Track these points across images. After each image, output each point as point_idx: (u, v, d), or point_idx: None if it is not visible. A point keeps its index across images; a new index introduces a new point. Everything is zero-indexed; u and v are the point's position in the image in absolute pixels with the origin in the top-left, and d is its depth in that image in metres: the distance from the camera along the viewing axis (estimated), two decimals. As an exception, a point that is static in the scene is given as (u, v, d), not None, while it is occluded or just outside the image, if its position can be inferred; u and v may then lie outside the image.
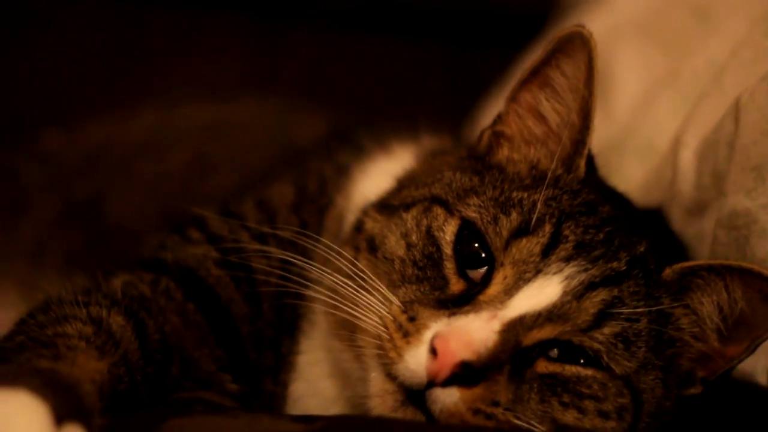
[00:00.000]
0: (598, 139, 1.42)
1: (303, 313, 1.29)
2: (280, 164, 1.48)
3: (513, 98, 1.25)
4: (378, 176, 1.33)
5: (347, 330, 1.19)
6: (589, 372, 1.13)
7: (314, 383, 1.28)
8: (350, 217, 1.30)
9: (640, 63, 1.68)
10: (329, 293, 1.20)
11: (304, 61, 2.20)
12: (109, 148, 1.77)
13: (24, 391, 0.96)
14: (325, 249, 1.21)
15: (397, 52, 2.24)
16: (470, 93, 2.09)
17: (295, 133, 1.68)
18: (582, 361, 1.13)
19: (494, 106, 1.99)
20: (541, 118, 1.24)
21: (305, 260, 1.21)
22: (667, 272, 1.17)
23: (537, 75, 1.23)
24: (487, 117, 1.99)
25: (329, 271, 1.20)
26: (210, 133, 1.75)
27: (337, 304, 1.18)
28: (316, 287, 1.22)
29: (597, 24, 1.83)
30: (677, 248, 1.31)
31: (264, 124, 1.76)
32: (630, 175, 1.51)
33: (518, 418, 1.10)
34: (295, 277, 1.22)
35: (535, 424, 1.11)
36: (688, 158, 1.32)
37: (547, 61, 1.22)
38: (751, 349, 1.18)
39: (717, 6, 1.63)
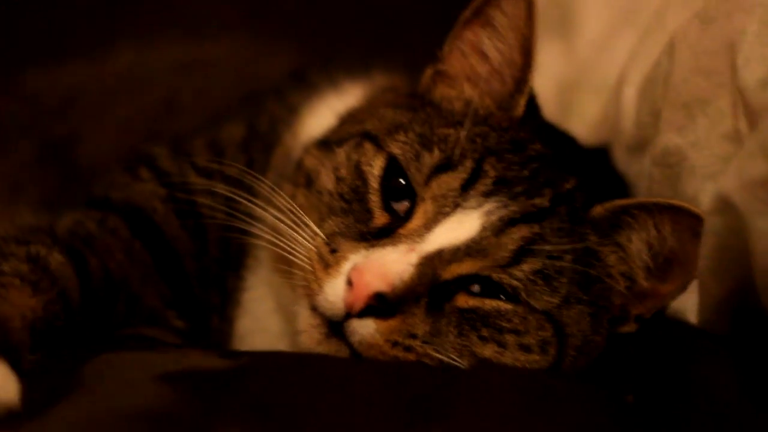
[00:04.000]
0: (561, 75, 1.43)
1: (248, 249, 1.31)
2: (237, 104, 1.50)
3: (455, 37, 1.27)
4: (326, 114, 1.35)
5: (285, 264, 1.21)
6: (509, 306, 1.14)
7: (260, 320, 1.31)
8: (296, 155, 1.32)
9: (602, 3, 1.67)
10: (270, 230, 1.23)
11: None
12: (85, 89, 1.79)
13: None
14: (268, 186, 1.24)
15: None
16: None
17: (266, 73, 1.68)
18: (502, 296, 1.14)
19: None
20: (483, 56, 1.25)
21: (249, 197, 1.24)
22: (597, 210, 1.18)
23: (479, 14, 1.24)
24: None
25: (270, 208, 1.23)
26: (182, 72, 1.77)
27: (276, 240, 1.20)
28: (260, 225, 1.25)
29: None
30: (617, 187, 1.31)
31: (235, 64, 1.77)
32: (587, 114, 1.50)
33: (437, 351, 1.12)
34: (240, 215, 1.25)
35: (455, 357, 1.13)
36: (630, 96, 1.32)
37: (488, 1, 1.23)
38: (682, 287, 1.19)
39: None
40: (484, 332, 1.14)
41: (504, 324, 1.14)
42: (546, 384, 1.11)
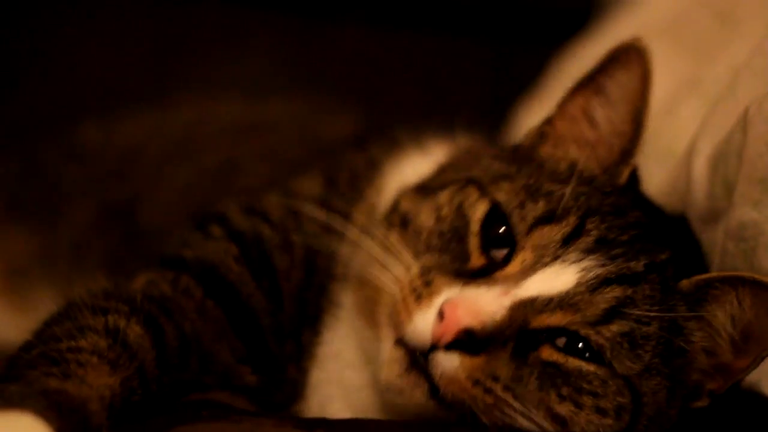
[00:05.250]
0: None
1: (325, 307, 1.33)
2: (307, 160, 1.52)
3: (567, 101, 1.29)
4: (409, 173, 1.36)
5: (370, 306, 1.23)
6: (591, 368, 1.14)
7: (335, 371, 1.31)
8: (379, 211, 1.33)
9: (664, 66, 1.67)
10: (357, 273, 1.26)
11: (342, 59, 2.21)
12: (144, 148, 1.80)
13: (30, 414, 1.01)
14: (358, 231, 1.27)
15: (435, 48, 2.24)
16: (508, 91, 2.10)
17: (325, 134, 1.71)
18: (587, 355, 1.15)
19: (534, 106, 2.01)
20: (592, 123, 1.28)
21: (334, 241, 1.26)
22: (684, 283, 1.19)
23: (592, 82, 1.27)
24: (525, 116, 2.01)
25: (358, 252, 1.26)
26: (241, 134, 1.78)
27: (365, 278, 1.23)
28: (343, 271, 1.29)
29: (626, 25, 1.84)
30: (698, 259, 1.31)
31: (293, 124, 1.78)
32: (651, 180, 1.50)
33: (516, 398, 1.13)
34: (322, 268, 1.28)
35: (531, 408, 1.13)
36: (701, 166, 1.31)
37: (603, 69, 1.26)
38: (758, 362, 1.18)
39: (740, 10, 1.62)
40: (564, 390, 1.14)
41: (584, 385, 1.14)
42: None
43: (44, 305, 1.26)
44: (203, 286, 1.29)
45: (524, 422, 1.14)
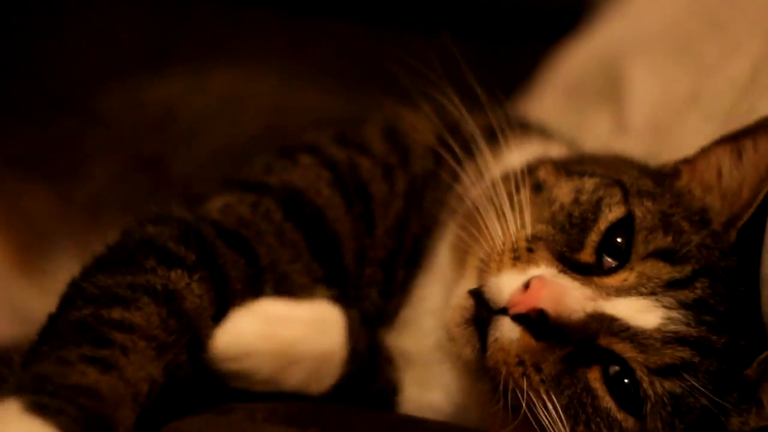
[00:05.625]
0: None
1: (424, 250, 1.33)
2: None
3: (708, 148, 1.30)
4: (524, 155, 1.35)
5: (466, 246, 1.24)
6: (620, 415, 1.15)
7: (416, 315, 1.32)
8: (487, 178, 1.31)
9: (654, 77, 1.69)
10: (468, 210, 1.27)
11: (333, 55, 2.20)
12: (176, 110, 1.77)
13: (52, 428, 0.96)
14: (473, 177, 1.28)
15: (428, 46, 2.23)
16: (500, 90, 2.09)
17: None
18: (625, 398, 1.15)
19: (525, 105, 2.01)
20: (719, 175, 1.28)
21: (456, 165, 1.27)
22: (749, 372, 1.18)
23: (735, 140, 1.27)
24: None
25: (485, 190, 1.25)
26: (280, 112, 1.75)
27: (475, 217, 1.23)
28: (446, 218, 1.31)
29: (614, 30, 1.84)
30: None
31: (334, 110, 1.73)
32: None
33: (544, 398, 1.13)
34: (424, 209, 1.31)
35: (560, 413, 1.13)
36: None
37: (749, 132, 1.26)
38: None
39: (734, 20, 1.61)
40: (583, 418, 1.15)
41: (603, 424, 1.15)
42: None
43: (64, 273, 1.18)
44: (284, 209, 1.27)
45: (541, 417, 1.14)
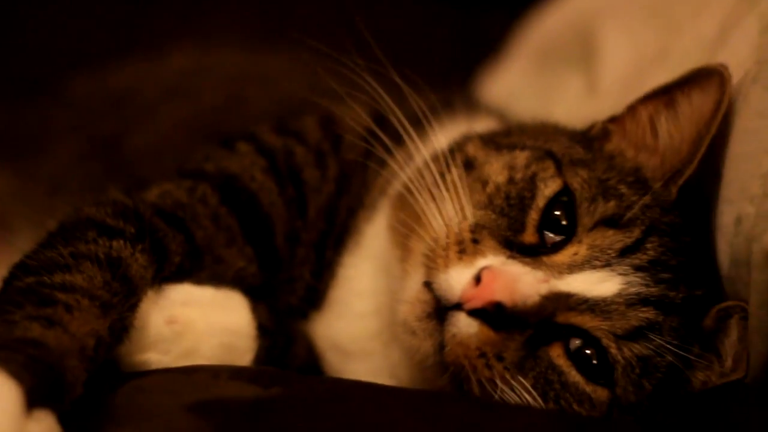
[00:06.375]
0: (584, 115, 1.42)
1: (351, 231, 1.34)
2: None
3: (636, 106, 1.28)
4: (452, 134, 1.34)
5: (404, 232, 1.23)
6: (588, 388, 1.15)
7: (345, 296, 1.33)
8: (416, 161, 1.30)
9: (626, 38, 1.67)
10: (398, 193, 1.27)
11: (309, 18, 2.18)
12: (137, 91, 1.77)
13: (1, 373, 0.96)
14: (402, 160, 1.27)
15: (404, 11, 2.23)
16: (472, 56, 2.09)
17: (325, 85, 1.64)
18: (591, 366, 1.14)
19: (497, 72, 2.00)
20: (654, 133, 1.26)
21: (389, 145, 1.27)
22: (707, 322, 1.18)
23: (666, 94, 1.26)
24: (489, 81, 2.00)
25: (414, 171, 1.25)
26: (243, 81, 1.74)
27: (408, 201, 1.22)
28: (372, 202, 1.32)
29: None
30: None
31: (302, 77, 1.68)
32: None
33: (515, 380, 1.12)
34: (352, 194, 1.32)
35: (522, 392, 1.12)
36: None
37: (681, 85, 1.24)
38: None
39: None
40: (552, 395, 1.14)
41: (573, 398, 1.14)
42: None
43: (20, 254, 1.18)
44: (220, 194, 1.28)
45: (510, 399, 1.13)
